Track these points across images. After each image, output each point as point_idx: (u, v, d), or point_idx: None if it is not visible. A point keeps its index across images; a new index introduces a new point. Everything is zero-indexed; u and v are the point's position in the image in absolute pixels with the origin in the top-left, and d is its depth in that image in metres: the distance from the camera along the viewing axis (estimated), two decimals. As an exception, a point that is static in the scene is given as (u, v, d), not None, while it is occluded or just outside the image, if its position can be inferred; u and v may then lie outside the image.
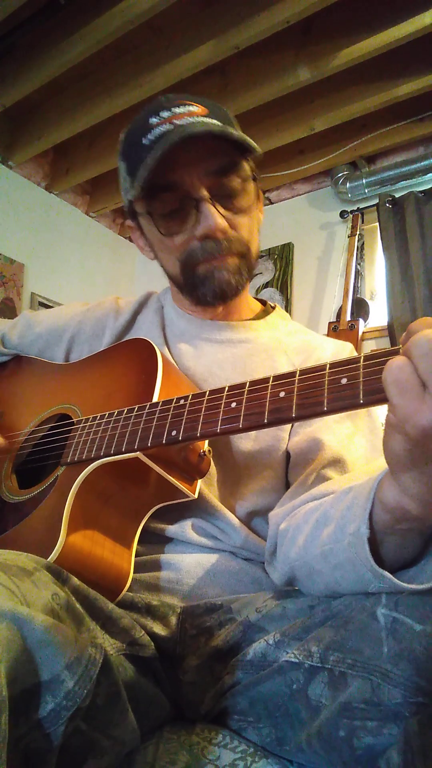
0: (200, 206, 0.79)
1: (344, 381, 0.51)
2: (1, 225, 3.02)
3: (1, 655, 0.44)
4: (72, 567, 0.64)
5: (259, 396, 0.58)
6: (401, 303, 2.76)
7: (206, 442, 0.74)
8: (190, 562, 0.76)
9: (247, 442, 0.82)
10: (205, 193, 0.78)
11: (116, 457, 0.68)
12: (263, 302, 1.01)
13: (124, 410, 0.71)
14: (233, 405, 0.60)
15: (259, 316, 0.96)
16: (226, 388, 0.62)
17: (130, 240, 3.84)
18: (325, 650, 0.55)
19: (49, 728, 0.48)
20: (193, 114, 0.78)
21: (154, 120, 0.79)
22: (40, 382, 0.96)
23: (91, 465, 0.69)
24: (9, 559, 0.56)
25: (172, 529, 0.78)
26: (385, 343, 2.87)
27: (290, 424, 0.83)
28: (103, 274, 3.64)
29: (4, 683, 0.43)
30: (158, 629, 0.69)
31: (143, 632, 0.66)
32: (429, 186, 2.90)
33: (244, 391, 0.60)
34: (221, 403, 0.61)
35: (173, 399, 0.67)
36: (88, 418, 0.75)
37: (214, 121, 0.78)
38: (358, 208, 3.08)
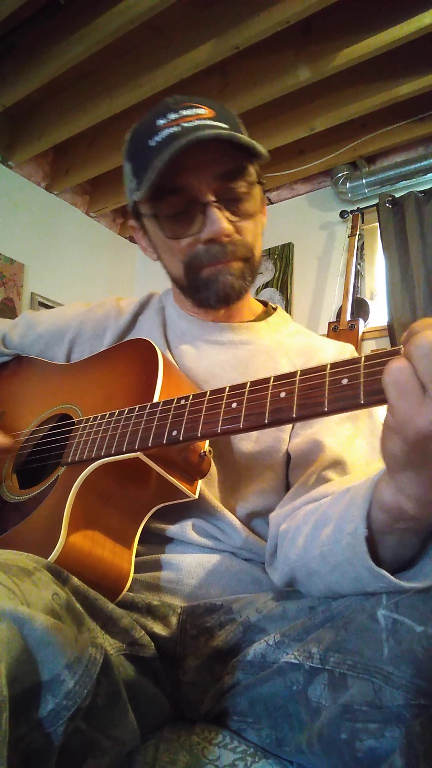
0: (206, 210, 0.79)
1: (345, 381, 0.51)
2: (1, 225, 3.02)
3: (1, 654, 0.44)
4: (72, 567, 0.64)
5: (259, 396, 0.58)
6: (401, 303, 2.76)
7: (207, 442, 0.74)
8: (191, 563, 0.76)
9: (247, 443, 0.82)
10: (211, 197, 0.78)
11: (117, 457, 0.68)
12: (264, 303, 1.01)
13: (124, 410, 0.71)
14: (234, 405, 0.60)
15: (260, 318, 0.96)
16: (227, 389, 0.62)
17: (130, 240, 3.84)
18: (325, 651, 0.55)
19: (50, 728, 0.48)
20: (200, 117, 0.78)
21: (161, 121, 0.79)
22: (40, 382, 0.96)
23: (92, 465, 0.69)
24: (9, 559, 0.56)
25: (172, 530, 0.78)
26: (385, 343, 2.87)
27: (291, 426, 0.83)
28: (103, 274, 3.64)
29: (4, 683, 0.43)
30: (158, 629, 0.69)
31: (143, 632, 0.66)
32: (429, 186, 2.90)
33: (244, 392, 0.60)
34: (222, 404, 0.61)
35: (174, 399, 0.67)
36: (89, 418, 0.75)
37: (222, 125, 0.78)
38: (358, 208, 3.07)
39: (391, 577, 0.53)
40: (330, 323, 2.94)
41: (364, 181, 3.04)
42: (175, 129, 0.77)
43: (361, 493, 0.56)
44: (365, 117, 2.78)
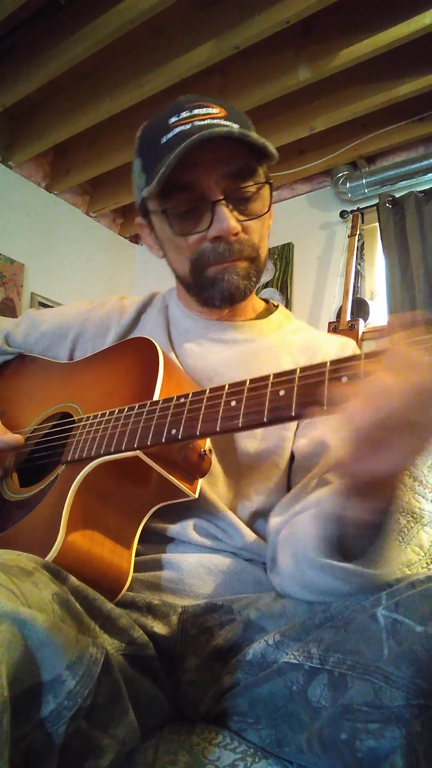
0: (215, 208, 0.78)
1: (345, 379, 0.51)
2: (1, 225, 3.02)
3: (2, 655, 0.44)
4: (71, 566, 0.63)
5: (259, 394, 0.58)
6: (401, 303, 2.76)
7: (207, 441, 0.74)
8: (192, 562, 0.76)
9: (251, 442, 0.81)
10: (220, 195, 0.78)
11: (116, 455, 0.68)
12: (266, 301, 1.01)
13: (124, 409, 0.70)
14: (233, 403, 0.60)
15: (262, 316, 0.96)
16: (227, 386, 0.62)
17: (130, 240, 3.84)
18: (324, 651, 0.55)
19: (51, 728, 0.48)
20: (212, 116, 0.78)
21: (173, 119, 0.79)
22: (43, 380, 0.96)
23: (91, 463, 0.69)
24: (9, 560, 0.56)
25: (173, 529, 0.78)
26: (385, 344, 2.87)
27: (296, 425, 0.83)
28: (103, 274, 3.64)
29: (5, 684, 0.43)
30: (159, 628, 0.69)
31: (141, 632, 0.66)
32: (429, 186, 2.90)
33: (244, 389, 0.60)
34: (221, 402, 0.61)
35: (173, 397, 0.66)
36: (89, 417, 0.75)
37: (234, 125, 0.78)
38: (358, 208, 3.07)
39: (339, 563, 0.56)
40: (330, 323, 2.94)
41: (364, 181, 3.04)
42: (186, 127, 0.77)
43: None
44: (365, 117, 2.78)
